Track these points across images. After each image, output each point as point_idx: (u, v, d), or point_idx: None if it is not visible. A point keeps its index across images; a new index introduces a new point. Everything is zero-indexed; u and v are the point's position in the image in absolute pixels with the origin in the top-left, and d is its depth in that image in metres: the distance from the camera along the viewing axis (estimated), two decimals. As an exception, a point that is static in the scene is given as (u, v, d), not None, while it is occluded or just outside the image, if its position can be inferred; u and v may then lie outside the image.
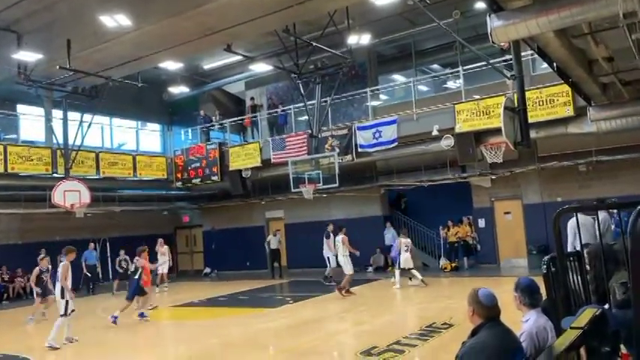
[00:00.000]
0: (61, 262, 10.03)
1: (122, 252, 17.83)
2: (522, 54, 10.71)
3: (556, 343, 2.53)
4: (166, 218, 24.04)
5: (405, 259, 14.22)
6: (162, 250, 17.55)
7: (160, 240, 17.94)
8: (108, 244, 20.26)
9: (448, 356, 3.79)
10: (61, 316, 9.52)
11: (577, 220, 4.59)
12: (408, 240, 14.76)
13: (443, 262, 17.62)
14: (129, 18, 12.36)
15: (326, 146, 16.79)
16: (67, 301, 9.51)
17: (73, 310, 9.64)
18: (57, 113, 17.80)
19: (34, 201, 17.31)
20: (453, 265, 17.33)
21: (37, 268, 12.76)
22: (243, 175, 18.83)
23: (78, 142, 17.30)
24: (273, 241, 19.76)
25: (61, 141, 17.32)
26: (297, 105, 18.34)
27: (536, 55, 10.43)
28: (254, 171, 18.70)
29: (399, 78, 21.17)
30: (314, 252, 16.44)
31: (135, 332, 10.34)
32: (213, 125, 21.13)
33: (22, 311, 13.98)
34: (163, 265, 17.19)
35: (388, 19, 16.75)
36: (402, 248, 14.35)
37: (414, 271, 14.39)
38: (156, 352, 9.33)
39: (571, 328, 2.53)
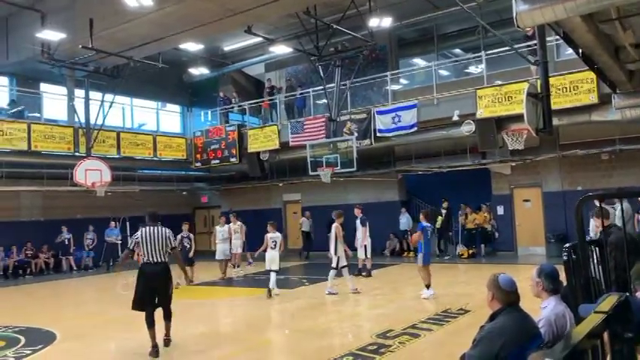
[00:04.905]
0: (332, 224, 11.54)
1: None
2: (547, 39, 10.53)
3: (576, 328, 2.53)
4: (185, 198, 24.32)
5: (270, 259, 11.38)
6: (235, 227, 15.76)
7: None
8: (128, 223, 20.55)
9: (464, 340, 3.81)
10: (333, 269, 11.22)
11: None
12: (277, 234, 11.52)
13: (460, 248, 17.58)
14: (151, -2, 12.38)
15: (344, 130, 16.74)
16: (338, 257, 11.14)
17: (345, 266, 11.24)
18: (79, 92, 17.99)
19: (57, 179, 17.64)
20: (470, 251, 17.29)
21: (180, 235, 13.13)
22: (262, 158, 18.93)
23: (99, 122, 17.51)
24: (305, 224, 20.08)
25: (82, 120, 17.53)
26: (316, 88, 18.27)
27: (560, 41, 10.28)
28: (272, 153, 18.77)
29: (419, 62, 20.94)
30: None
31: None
32: (232, 107, 21.19)
33: (43, 286, 14.20)
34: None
35: (410, 1, 16.56)
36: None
37: (273, 276, 11.36)
38: (173, 329, 9.47)
39: (595, 312, 2.53)
